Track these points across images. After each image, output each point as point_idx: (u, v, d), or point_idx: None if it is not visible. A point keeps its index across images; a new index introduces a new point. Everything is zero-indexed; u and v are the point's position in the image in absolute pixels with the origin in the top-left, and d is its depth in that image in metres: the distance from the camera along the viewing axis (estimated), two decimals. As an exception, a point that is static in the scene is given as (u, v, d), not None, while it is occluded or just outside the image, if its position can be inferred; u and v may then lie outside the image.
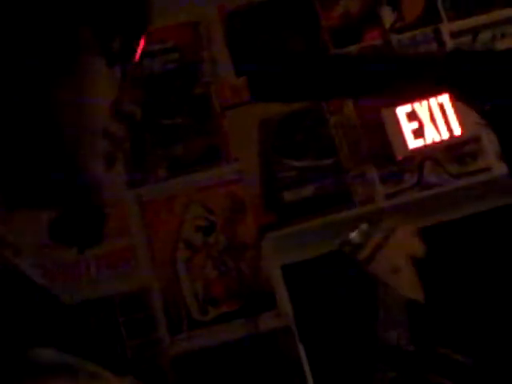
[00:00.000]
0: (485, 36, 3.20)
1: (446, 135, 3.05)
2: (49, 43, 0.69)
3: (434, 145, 3.06)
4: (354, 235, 1.51)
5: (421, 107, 3.00)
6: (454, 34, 3.21)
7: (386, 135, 3.04)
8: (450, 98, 2.95)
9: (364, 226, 1.52)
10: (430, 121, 3.04)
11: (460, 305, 3.10)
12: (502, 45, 3.16)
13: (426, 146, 3.05)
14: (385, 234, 1.51)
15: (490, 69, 0.77)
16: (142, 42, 0.77)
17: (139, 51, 0.77)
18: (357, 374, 1.45)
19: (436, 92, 2.46)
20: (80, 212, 0.74)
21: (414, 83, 0.86)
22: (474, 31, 3.19)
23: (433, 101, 2.99)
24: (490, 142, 3.06)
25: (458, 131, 3.04)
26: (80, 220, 0.75)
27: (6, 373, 0.56)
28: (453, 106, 3.01)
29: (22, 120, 0.70)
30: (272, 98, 0.90)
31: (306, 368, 2.98)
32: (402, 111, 3.01)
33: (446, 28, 3.21)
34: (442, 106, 3.01)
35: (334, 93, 0.88)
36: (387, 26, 3.21)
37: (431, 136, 3.04)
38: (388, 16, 3.23)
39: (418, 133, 3.05)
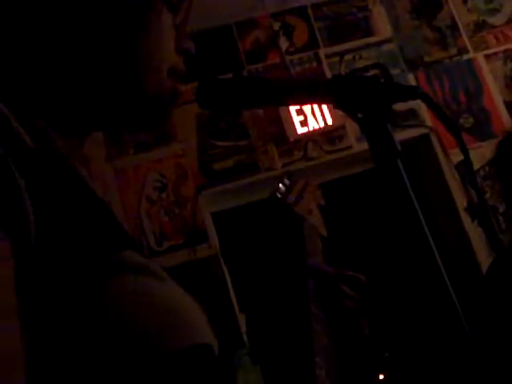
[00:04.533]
0: (348, 57, 3.73)
1: (322, 124, 3.62)
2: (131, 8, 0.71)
3: (314, 131, 3.62)
4: (281, 186, 1.64)
5: (305, 105, 3.51)
6: (328, 56, 3.74)
7: (282, 124, 3.59)
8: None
9: (286, 180, 1.64)
10: (311, 114, 3.61)
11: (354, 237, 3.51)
12: (359, 63, 3.70)
13: (309, 132, 3.60)
14: (302, 187, 1.63)
15: (361, 89, 0.85)
16: None
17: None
18: (286, 285, 1.49)
19: (318, 103, 2.96)
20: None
21: (304, 98, 0.93)
22: (341, 54, 3.74)
23: (313, 101, 3.62)
24: (351, 129, 3.62)
25: (330, 121, 3.62)
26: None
27: (108, 267, 0.60)
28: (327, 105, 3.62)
29: (111, 65, 0.72)
30: (214, 108, 0.92)
31: (229, 285, 3.40)
32: (292, 108, 3.57)
33: (322, 52, 3.75)
34: (319, 105, 3.50)
35: (254, 103, 0.94)
36: (283, 50, 3.73)
37: (312, 125, 3.60)
38: (284, 43, 3.74)
39: (304, 123, 3.60)
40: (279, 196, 1.62)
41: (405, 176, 0.84)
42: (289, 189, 1.64)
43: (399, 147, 0.86)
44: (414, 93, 0.87)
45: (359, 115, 0.87)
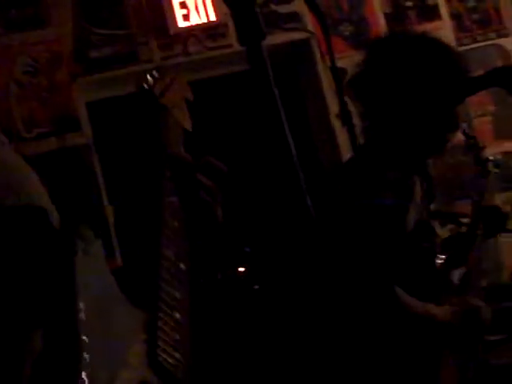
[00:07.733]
0: None
1: (205, 20, 3.62)
2: None
3: (197, 26, 3.63)
4: (149, 77, 1.61)
5: (190, -1, 3.49)
6: None
7: (164, 17, 3.57)
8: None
9: (155, 73, 1.63)
10: (195, 9, 3.59)
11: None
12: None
13: (190, 27, 3.62)
14: (170, 80, 1.62)
15: None
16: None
17: None
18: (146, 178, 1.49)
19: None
20: None
21: None
22: None
23: (197, -5, 3.49)
24: (233, 27, 3.73)
25: (213, 18, 3.62)
26: None
27: None
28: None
29: None
30: None
31: (99, 173, 3.50)
32: (176, 0, 3.56)
33: None
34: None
35: None
36: None
37: (195, 20, 3.61)
38: None
39: (186, 17, 3.60)
40: (146, 87, 1.55)
41: (267, 61, 0.84)
42: (156, 81, 1.58)
43: (264, 29, 0.86)
44: None
45: None
